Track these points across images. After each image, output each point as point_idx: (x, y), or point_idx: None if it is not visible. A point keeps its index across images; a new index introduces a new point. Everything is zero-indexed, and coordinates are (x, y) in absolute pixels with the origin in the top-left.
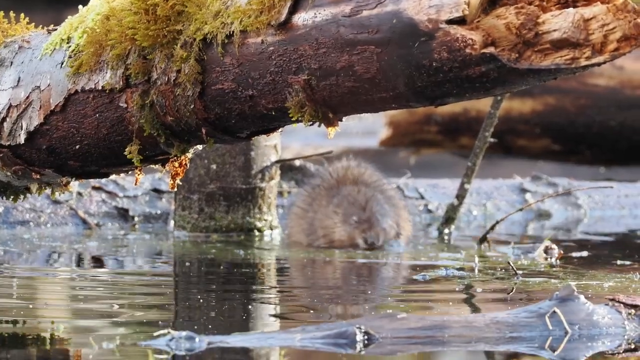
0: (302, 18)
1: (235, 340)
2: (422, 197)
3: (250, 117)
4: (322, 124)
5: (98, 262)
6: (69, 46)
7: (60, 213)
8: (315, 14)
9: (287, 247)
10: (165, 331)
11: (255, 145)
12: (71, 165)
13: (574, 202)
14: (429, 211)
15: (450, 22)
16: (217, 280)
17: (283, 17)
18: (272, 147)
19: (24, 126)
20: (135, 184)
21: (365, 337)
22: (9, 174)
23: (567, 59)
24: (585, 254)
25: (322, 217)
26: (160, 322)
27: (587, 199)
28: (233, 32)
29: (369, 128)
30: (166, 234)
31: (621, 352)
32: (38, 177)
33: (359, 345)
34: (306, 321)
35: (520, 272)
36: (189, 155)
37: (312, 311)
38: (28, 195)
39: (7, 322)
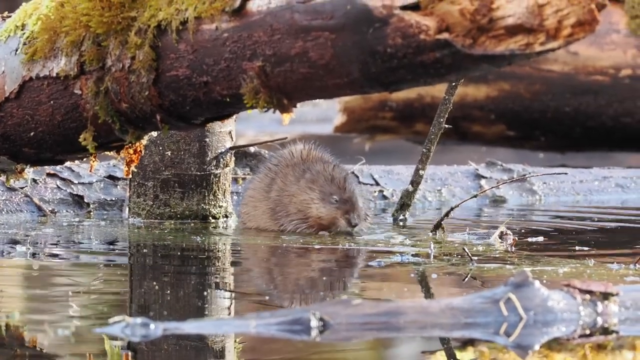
0: (257, 4)
1: (190, 326)
2: (377, 183)
3: (204, 103)
4: (277, 110)
5: (53, 249)
6: (24, 33)
7: (15, 200)
8: (269, 0)
9: (242, 233)
10: (121, 318)
11: (210, 132)
12: (26, 152)
13: (529, 188)
14: (384, 197)
15: (404, 7)
16: (172, 267)
17: (237, 3)
18: (227, 133)
19: None
20: (90, 171)
21: (321, 323)
22: None
23: (521, 44)
24: (540, 239)
25: (296, 192)
26: (110, 309)
27: (542, 185)
28: (187, 18)
29: (323, 114)
30: (121, 220)
31: (576, 337)
32: None
33: (314, 332)
34: (262, 307)
35: (475, 258)
36: (144, 142)
37: (267, 297)
38: None
39: None
